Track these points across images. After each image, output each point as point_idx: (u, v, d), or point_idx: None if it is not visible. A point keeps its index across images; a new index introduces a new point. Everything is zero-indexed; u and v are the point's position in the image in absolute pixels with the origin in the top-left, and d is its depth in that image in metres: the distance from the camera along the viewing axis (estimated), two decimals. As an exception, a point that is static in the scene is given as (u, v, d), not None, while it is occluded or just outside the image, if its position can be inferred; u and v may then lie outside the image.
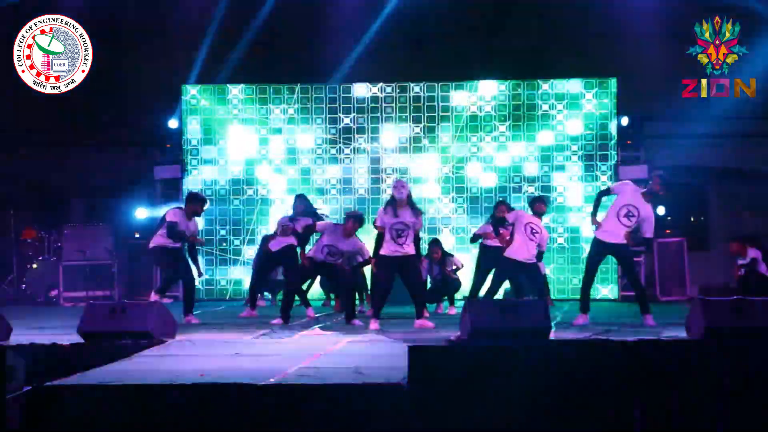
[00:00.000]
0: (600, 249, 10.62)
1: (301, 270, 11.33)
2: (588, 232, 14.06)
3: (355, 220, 11.01)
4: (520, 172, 15.35)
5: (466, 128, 15.44)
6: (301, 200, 12.43)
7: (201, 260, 15.46)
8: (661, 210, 15.27)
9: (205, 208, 11.88)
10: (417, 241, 10.93)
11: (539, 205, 11.52)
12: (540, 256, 11.47)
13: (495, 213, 12.39)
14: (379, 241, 10.96)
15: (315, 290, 13.88)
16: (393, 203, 10.47)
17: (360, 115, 15.62)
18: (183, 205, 11.84)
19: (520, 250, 11.09)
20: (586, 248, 14.83)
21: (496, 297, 11.65)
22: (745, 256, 13.73)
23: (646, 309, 10.39)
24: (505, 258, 11.15)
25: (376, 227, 10.74)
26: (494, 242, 11.99)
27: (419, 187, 15.20)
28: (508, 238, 11.27)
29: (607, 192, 10.86)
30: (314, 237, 12.20)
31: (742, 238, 14.07)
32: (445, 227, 15.39)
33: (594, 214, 10.70)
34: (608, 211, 10.57)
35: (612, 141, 15.22)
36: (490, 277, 11.77)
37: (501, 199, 13.62)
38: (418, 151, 15.53)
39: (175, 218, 11.40)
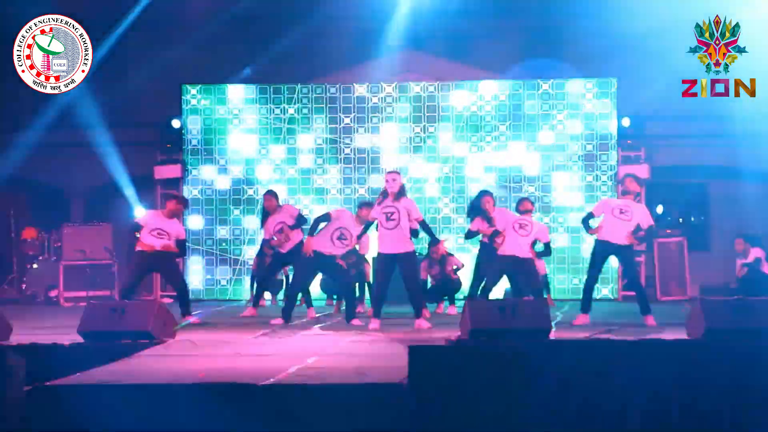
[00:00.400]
0: (603, 249, 10.65)
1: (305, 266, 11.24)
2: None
3: (369, 207, 11.01)
4: (520, 172, 15.34)
5: (466, 128, 15.45)
6: (271, 195, 12.34)
7: (201, 260, 15.48)
8: (659, 209, 15.29)
9: (180, 209, 11.52)
10: (428, 229, 10.92)
11: (524, 204, 11.60)
12: (547, 249, 11.39)
13: (481, 205, 12.07)
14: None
15: (316, 291, 13.89)
16: (385, 195, 10.48)
17: (360, 115, 15.61)
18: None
19: (512, 246, 11.07)
20: (585, 247, 14.85)
21: (495, 296, 11.65)
22: (748, 256, 13.78)
23: (647, 309, 10.41)
24: (500, 255, 11.16)
25: (369, 218, 10.77)
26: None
27: (419, 188, 15.19)
28: (500, 240, 11.25)
29: (590, 216, 10.90)
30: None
31: (747, 238, 14.11)
32: (446, 227, 15.38)
33: (587, 228, 10.80)
34: (604, 217, 10.63)
35: (612, 141, 15.22)
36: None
37: (485, 189, 13.15)
38: (418, 151, 15.52)
39: (142, 217, 11.45)
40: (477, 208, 12.02)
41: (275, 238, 11.95)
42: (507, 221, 11.25)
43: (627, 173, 11.18)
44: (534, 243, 11.28)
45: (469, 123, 15.44)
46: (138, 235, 11.23)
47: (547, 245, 11.42)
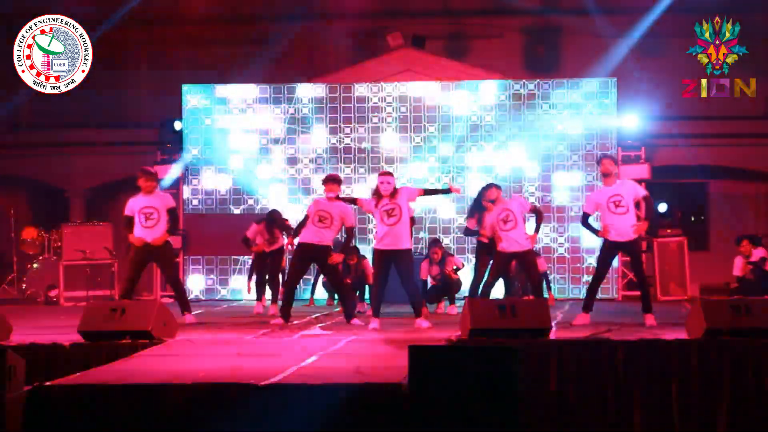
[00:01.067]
0: (610, 249, 10.52)
1: (295, 263, 11.23)
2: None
3: (334, 183, 10.96)
4: (521, 173, 15.32)
5: (466, 128, 15.42)
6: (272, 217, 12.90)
7: (201, 260, 15.48)
8: (662, 207, 15.29)
9: (152, 184, 11.17)
10: (434, 191, 11.31)
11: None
12: (538, 215, 10.97)
13: (482, 200, 11.66)
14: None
15: (318, 291, 14.00)
16: (379, 195, 10.45)
17: (360, 115, 15.60)
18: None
19: (506, 242, 10.92)
20: (585, 247, 14.86)
21: (495, 296, 11.64)
22: (752, 256, 13.86)
23: (648, 308, 10.34)
24: (498, 252, 11.03)
25: (356, 202, 10.88)
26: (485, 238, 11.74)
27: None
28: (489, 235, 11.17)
29: (587, 216, 10.69)
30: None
31: (751, 238, 14.18)
32: (446, 226, 15.36)
33: (595, 231, 10.65)
34: (601, 215, 10.49)
35: (612, 141, 15.20)
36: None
37: (489, 183, 12.13)
38: (418, 151, 15.51)
39: (128, 207, 11.17)
40: (478, 203, 11.86)
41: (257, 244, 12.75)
42: (492, 218, 11.08)
43: (602, 154, 11.08)
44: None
45: (469, 122, 15.43)
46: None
47: (535, 211, 10.99)
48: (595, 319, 10.52)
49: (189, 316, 11.19)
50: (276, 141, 15.68)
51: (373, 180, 15.27)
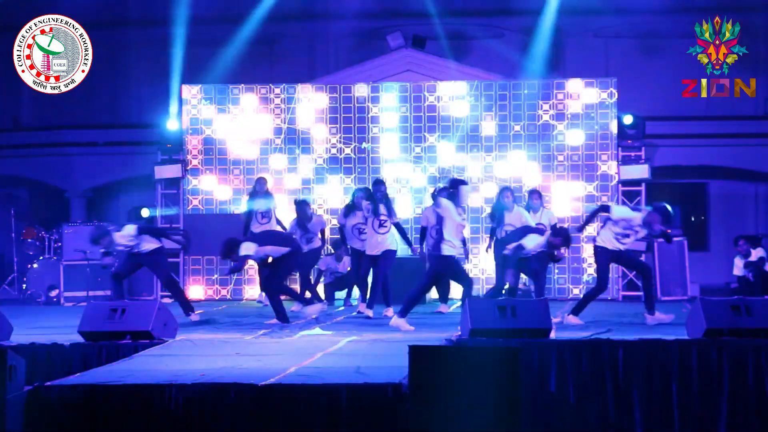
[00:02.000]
0: (605, 257, 10.46)
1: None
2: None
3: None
4: (521, 173, 15.29)
5: (466, 129, 15.40)
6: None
7: (202, 260, 15.49)
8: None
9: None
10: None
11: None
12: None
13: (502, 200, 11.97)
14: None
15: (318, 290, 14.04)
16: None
17: (360, 115, 15.58)
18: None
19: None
20: (585, 250, 14.86)
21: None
22: (751, 256, 13.87)
23: (652, 307, 10.31)
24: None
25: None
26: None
27: (419, 197, 15.13)
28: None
29: (605, 210, 10.66)
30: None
31: (749, 238, 14.19)
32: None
33: (584, 226, 10.62)
34: (607, 226, 10.44)
35: (612, 141, 15.18)
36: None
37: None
38: (417, 151, 15.49)
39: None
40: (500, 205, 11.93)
41: None
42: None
43: (652, 213, 10.76)
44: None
45: (469, 123, 15.40)
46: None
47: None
48: (596, 319, 10.51)
49: (194, 316, 11.25)
50: (276, 141, 15.67)
51: (372, 182, 15.32)
